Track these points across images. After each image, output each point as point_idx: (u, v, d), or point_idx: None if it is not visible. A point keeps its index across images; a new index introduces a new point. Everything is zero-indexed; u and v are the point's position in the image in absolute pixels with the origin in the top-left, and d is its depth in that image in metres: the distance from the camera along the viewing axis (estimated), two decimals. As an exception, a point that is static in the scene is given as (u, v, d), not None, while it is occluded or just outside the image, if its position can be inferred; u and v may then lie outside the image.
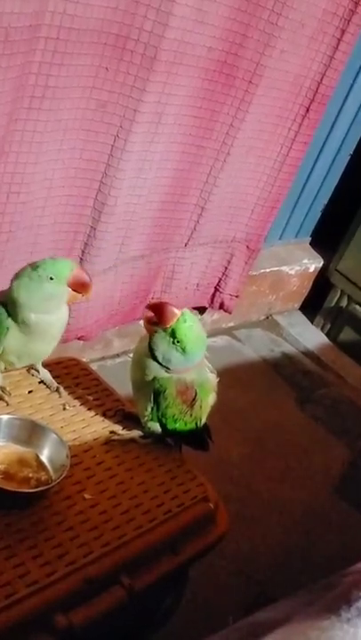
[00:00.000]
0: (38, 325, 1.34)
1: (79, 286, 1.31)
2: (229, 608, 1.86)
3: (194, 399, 1.39)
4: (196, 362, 1.36)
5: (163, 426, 1.43)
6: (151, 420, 1.42)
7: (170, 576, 1.30)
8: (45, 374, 1.52)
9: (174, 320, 1.30)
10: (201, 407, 1.42)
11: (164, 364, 1.34)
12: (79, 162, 1.86)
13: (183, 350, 1.31)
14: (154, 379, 1.37)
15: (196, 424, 1.44)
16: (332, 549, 2.18)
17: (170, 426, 1.42)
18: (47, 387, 1.51)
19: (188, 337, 1.31)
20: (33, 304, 1.31)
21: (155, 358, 1.34)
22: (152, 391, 1.38)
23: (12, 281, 1.33)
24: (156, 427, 1.43)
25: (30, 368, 1.53)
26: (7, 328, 1.33)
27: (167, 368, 1.35)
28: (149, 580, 1.23)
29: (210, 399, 1.44)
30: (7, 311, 1.34)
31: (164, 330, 1.31)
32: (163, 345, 1.32)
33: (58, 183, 1.85)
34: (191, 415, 1.41)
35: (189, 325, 1.31)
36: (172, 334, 1.30)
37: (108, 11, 1.64)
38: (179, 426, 1.42)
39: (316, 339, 3.36)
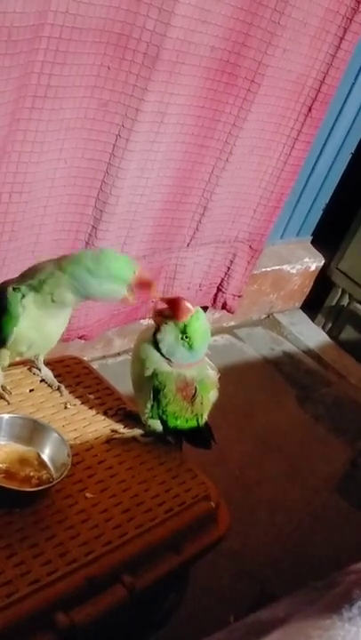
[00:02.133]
0: (67, 307, 1.33)
1: (143, 287, 1.29)
2: (230, 607, 1.86)
3: (194, 395, 1.40)
4: (198, 359, 1.37)
5: (164, 423, 1.43)
6: (151, 417, 1.42)
7: (171, 575, 1.30)
8: (47, 373, 1.52)
9: (188, 316, 1.31)
10: (202, 404, 1.42)
11: (167, 356, 1.35)
12: (81, 161, 1.86)
13: (190, 347, 1.33)
14: (153, 375, 1.36)
15: (198, 421, 1.45)
16: (333, 548, 2.18)
17: (171, 423, 1.42)
18: (49, 385, 1.51)
19: (198, 334, 1.33)
20: (83, 291, 1.28)
21: (158, 349, 1.35)
22: (152, 388, 1.38)
23: (61, 260, 1.29)
24: (157, 424, 1.43)
25: (32, 366, 1.52)
26: (18, 318, 1.30)
27: (169, 360, 1.35)
28: (151, 578, 1.23)
29: (211, 396, 1.44)
30: (22, 293, 1.30)
31: (176, 324, 1.32)
32: (170, 338, 1.33)
33: (60, 182, 1.85)
34: (192, 412, 1.41)
35: (201, 323, 1.33)
36: (184, 330, 1.31)
37: (111, 10, 1.64)
38: (180, 423, 1.42)
39: (318, 337, 3.37)
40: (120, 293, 1.29)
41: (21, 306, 1.30)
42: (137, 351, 1.41)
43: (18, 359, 1.45)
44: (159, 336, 1.34)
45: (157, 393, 1.38)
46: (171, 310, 1.32)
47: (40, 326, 1.34)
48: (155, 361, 1.36)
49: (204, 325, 1.34)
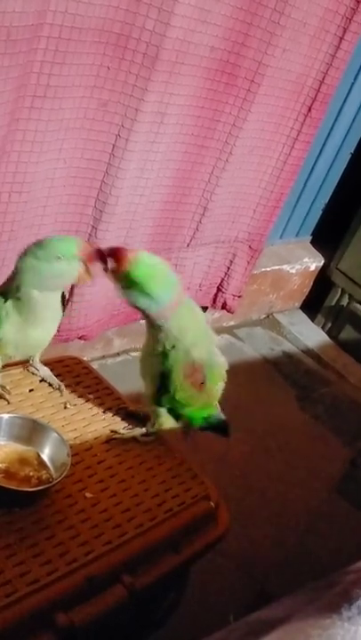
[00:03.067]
0: (39, 305, 1.31)
1: (92, 257, 1.26)
2: (230, 606, 1.86)
3: (203, 382, 1.37)
4: (166, 303, 1.27)
5: (173, 411, 1.41)
6: (160, 405, 1.40)
7: (171, 574, 1.30)
8: (45, 372, 1.52)
9: (129, 263, 1.23)
10: (211, 392, 1.40)
11: (141, 312, 1.29)
12: (80, 161, 1.86)
13: (145, 292, 1.25)
14: (161, 357, 1.32)
15: (209, 408, 1.43)
16: (332, 548, 2.18)
17: (179, 410, 1.40)
18: (49, 384, 1.51)
19: (145, 277, 1.24)
20: (39, 282, 1.28)
21: (133, 306, 1.30)
22: (158, 373, 1.35)
23: (17, 260, 1.30)
24: (164, 415, 1.42)
25: (30, 365, 1.52)
26: (1, 320, 1.32)
27: (147, 318, 1.30)
28: (150, 578, 1.23)
29: (219, 383, 1.42)
30: (5, 298, 1.32)
31: (124, 275, 1.24)
32: (126, 292, 1.27)
33: (59, 182, 1.85)
34: (202, 398, 1.39)
35: (146, 264, 1.25)
36: (129, 278, 1.24)
37: (110, 10, 1.64)
38: (189, 412, 1.41)
39: (317, 337, 3.37)
40: (73, 271, 1.28)
41: (4, 311, 1.31)
42: (144, 346, 1.38)
43: (14, 361, 1.46)
44: (123, 296, 1.28)
45: (165, 378, 1.34)
46: (115, 263, 1.25)
47: (25, 331, 1.35)
48: (154, 334, 1.32)
49: (151, 265, 1.26)
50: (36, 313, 1.33)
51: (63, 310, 1.41)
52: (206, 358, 1.37)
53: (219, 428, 1.50)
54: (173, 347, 1.32)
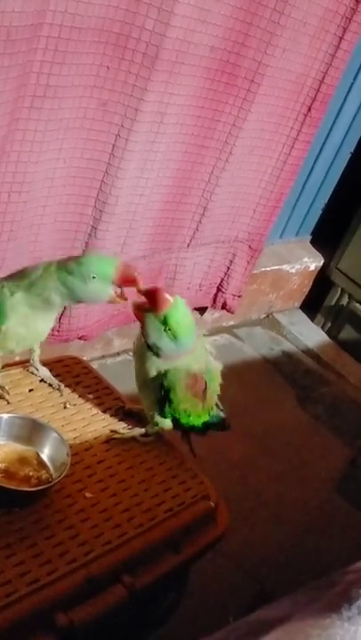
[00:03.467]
0: (55, 307, 1.34)
1: (127, 282, 1.29)
2: (230, 606, 1.86)
3: (205, 390, 1.39)
4: (186, 349, 1.34)
5: (176, 421, 1.42)
6: (163, 416, 1.41)
7: (171, 574, 1.30)
8: (45, 372, 1.52)
9: (168, 306, 1.28)
10: (212, 396, 1.43)
11: (155, 351, 1.33)
12: (80, 161, 1.86)
13: (175, 337, 1.30)
14: (161, 376, 1.35)
15: (209, 413, 1.45)
16: (332, 548, 2.18)
17: (184, 420, 1.42)
18: (49, 384, 1.51)
19: (180, 324, 1.30)
20: (68, 295, 1.29)
21: (148, 346, 1.33)
22: (159, 388, 1.37)
23: (48, 266, 1.30)
24: (165, 422, 1.43)
25: (30, 365, 1.52)
26: (6, 315, 1.31)
27: (157, 355, 1.34)
28: (150, 578, 1.23)
29: (217, 385, 1.44)
30: (12, 291, 1.31)
31: (156, 316, 1.29)
32: (154, 332, 1.31)
33: (59, 182, 1.85)
34: (203, 406, 1.41)
35: (182, 312, 1.30)
36: (165, 321, 1.29)
37: (110, 9, 1.64)
38: (192, 420, 1.42)
39: (317, 337, 3.37)
40: (106, 293, 1.29)
41: (10, 303, 1.31)
42: (136, 353, 1.40)
43: (17, 358, 1.46)
44: (144, 331, 1.32)
45: (167, 393, 1.36)
46: (149, 303, 1.30)
47: (29, 323, 1.35)
48: (154, 360, 1.36)
49: (186, 314, 1.31)
50: (44, 312, 1.34)
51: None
52: (204, 366, 1.39)
53: (219, 425, 1.51)
54: (174, 367, 1.35)
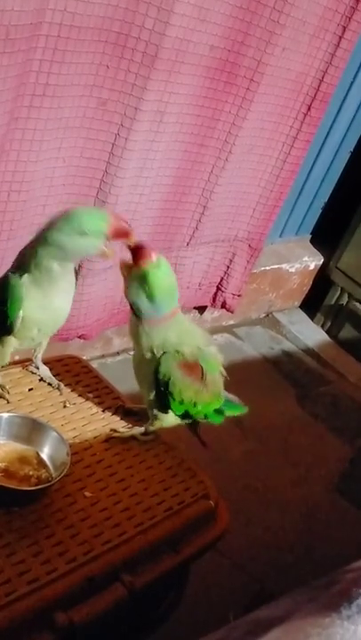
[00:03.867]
0: (57, 276, 1.30)
1: (120, 234, 1.25)
2: (229, 605, 1.86)
3: (203, 376, 1.37)
4: (163, 313, 1.31)
5: (187, 414, 1.41)
6: (174, 410, 1.40)
7: (170, 573, 1.30)
8: (45, 371, 1.52)
9: (149, 263, 1.26)
10: (215, 382, 1.41)
11: (134, 309, 1.31)
12: (80, 160, 1.86)
13: (151, 296, 1.28)
14: (154, 368, 1.34)
15: (218, 400, 1.43)
16: (331, 547, 2.18)
17: (192, 411, 1.40)
18: (48, 384, 1.51)
19: (158, 282, 1.27)
20: (61, 255, 1.27)
21: (130, 304, 1.32)
22: (157, 384, 1.36)
23: (39, 232, 1.29)
24: (169, 420, 1.43)
25: (30, 364, 1.52)
26: (21, 300, 1.30)
27: (139, 318, 1.32)
28: (150, 577, 1.23)
29: (219, 373, 1.43)
30: (20, 274, 1.30)
31: (137, 273, 1.27)
32: (133, 288, 1.29)
33: (59, 181, 1.85)
34: (207, 392, 1.39)
35: (163, 272, 1.28)
36: (143, 278, 1.27)
37: (109, 8, 1.64)
38: (202, 409, 1.41)
39: (317, 336, 3.37)
40: (96, 246, 1.26)
41: (23, 287, 1.29)
42: (130, 327, 1.38)
43: (18, 357, 1.46)
44: (127, 290, 1.31)
45: (166, 386, 1.35)
46: (133, 259, 1.28)
47: (45, 305, 1.33)
48: (141, 330, 1.33)
49: (167, 274, 1.29)
50: (53, 284, 1.31)
51: (76, 282, 1.39)
52: (198, 352, 1.37)
53: (235, 410, 1.50)
54: (164, 353, 1.34)
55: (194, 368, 1.36)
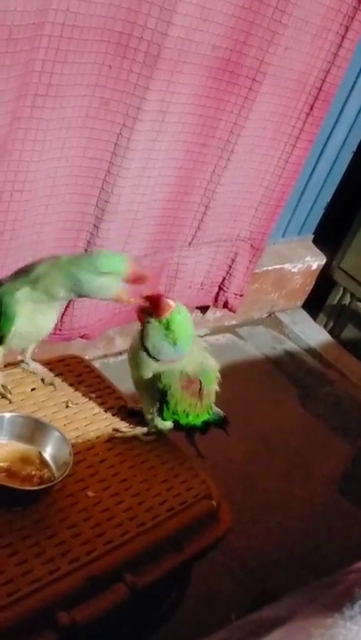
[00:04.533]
0: (60, 302, 1.35)
1: (137, 280, 1.30)
2: (232, 605, 1.86)
3: (200, 390, 1.40)
4: (183, 354, 1.36)
5: (176, 422, 1.44)
6: (163, 419, 1.42)
7: (172, 573, 1.30)
8: (36, 367, 1.52)
9: (169, 312, 1.30)
10: (209, 396, 1.44)
11: (153, 354, 1.35)
12: (82, 160, 1.86)
13: (174, 342, 1.33)
14: (156, 378, 1.37)
15: (208, 412, 1.46)
16: (334, 547, 2.18)
17: (183, 421, 1.43)
18: (41, 380, 1.51)
19: (181, 329, 1.32)
20: (76, 289, 1.30)
21: (145, 348, 1.35)
22: (155, 390, 1.38)
23: (58, 260, 1.31)
24: (165, 424, 1.44)
25: (21, 361, 1.52)
26: (15, 318, 1.32)
27: (155, 359, 1.35)
28: (152, 577, 1.23)
29: (215, 385, 1.46)
30: (17, 288, 1.31)
31: (159, 321, 1.31)
32: (155, 335, 1.33)
33: (61, 181, 1.85)
34: (201, 406, 1.42)
35: (183, 318, 1.32)
36: (167, 326, 1.31)
37: (112, 8, 1.64)
38: (192, 419, 1.43)
39: (319, 336, 3.36)
40: (113, 289, 1.30)
41: (17, 303, 1.31)
42: (131, 355, 1.41)
43: (18, 357, 1.46)
44: (145, 335, 1.34)
45: (164, 395, 1.38)
46: (152, 307, 1.32)
47: (33, 320, 1.36)
48: (150, 365, 1.37)
49: (187, 319, 1.34)
50: (49, 307, 1.35)
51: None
52: (199, 368, 1.41)
53: (218, 423, 1.53)
54: (168, 369, 1.37)
55: (193, 383, 1.40)
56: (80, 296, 1.33)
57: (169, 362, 1.36)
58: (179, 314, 1.31)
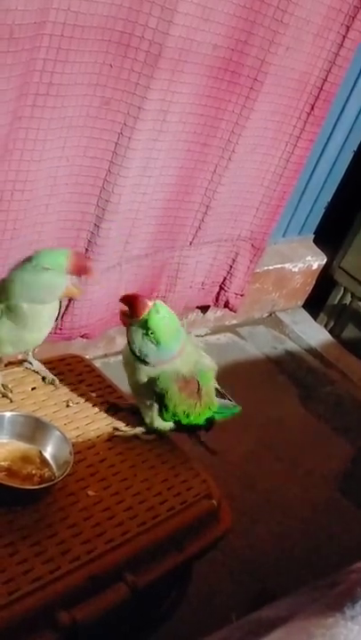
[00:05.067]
0: (30, 315, 1.31)
1: (81, 270, 1.27)
2: (232, 605, 1.86)
3: (198, 389, 1.39)
4: (172, 354, 1.34)
5: (177, 423, 1.43)
6: (165, 420, 1.42)
7: (173, 573, 1.30)
8: (39, 366, 1.52)
9: (146, 311, 1.28)
10: (208, 394, 1.43)
11: (141, 357, 1.33)
12: (83, 159, 1.86)
13: (157, 342, 1.30)
14: (151, 381, 1.36)
15: (210, 409, 1.45)
16: (334, 547, 2.18)
17: (184, 421, 1.42)
18: (42, 379, 1.51)
19: (161, 328, 1.29)
20: (26, 294, 1.28)
21: (133, 352, 1.34)
22: (152, 394, 1.37)
23: (8, 272, 1.31)
24: (165, 425, 1.44)
25: (24, 360, 1.52)
26: None
27: (145, 362, 1.34)
28: (152, 576, 1.23)
29: (213, 383, 1.45)
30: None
31: (138, 322, 1.30)
32: (137, 338, 1.31)
33: (62, 181, 1.85)
34: (201, 405, 1.41)
35: (162, 316, 1.29)
36: (145, 326, 1.29)
37: (113, 7, 1.64)
38: (193, 419, 1.42)
39: (320, 336, 3.36)
40: (61, 284, 1.28)
41: None
42: (125, 361, 1.41)
43: (19, 357, 1.46)
44: (129, 339, 1.33)
45: (162, 398, 1.37)
46: (129, 309, 1.30)
47: (19, 336, 1.35)
48: (143, 368, 1.35)
49: (168, 317, 1.31)
50: (26, 322, 1.33)
51: (59, 315, 1.41)
52: (195, 368, 1.39)
53: (228, 412, 1.51)
54: (163, 372, 1.36)
55: (190, 384, 1.38)
56: (37, 301, 1.30)
57: (161, 364, 1.34)
58: (157, 313, 1.28)
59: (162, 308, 1.30)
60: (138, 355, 1.33)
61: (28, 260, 1.28)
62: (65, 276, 1.27)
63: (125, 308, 1.32)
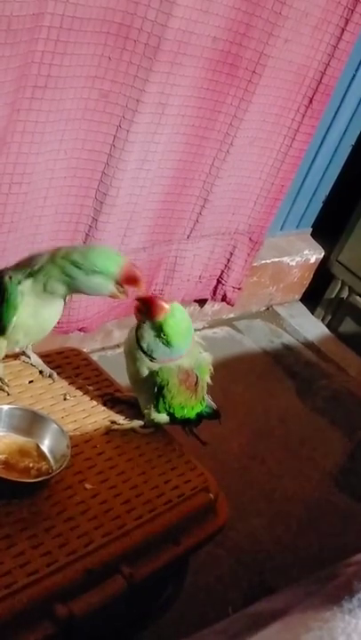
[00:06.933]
0: (60, 296, 1.34)
1: (130, 281, 1.28)
2: (229, 598, 1.87)
3: (196, 383, 1.41)
4: (181, 354, 1.36)
5: (171, 415, 1.44)
6: (158, 412, 1.42)
7: (170, 566, 1.30)
8: (37, 360, 1.52)
9: (163, 315, 1.29)
10: (203, 387, 1.44)
11: (148, 352, 1.34)
12: (81, 152, 1.85)
13: (169, 344, 1.32)
14: (154, 373, 1.36)
15: (201, 404, 1.47)
16: (331, 540, 2.18)
17: (178, 414, 1.43)
18: (40, 372, 1.51)
19: (175, 332, 1.31)
20: (70, 285, 1.29)
21: (140, 346, 1.35)
22: (152, 384, 1.38)
23: (54, 254, 1.30)
24: (161, 417, 1.44)
25: (21, 353, 1.52)
26: (18, 307, 1.31)
27: (151, 357, 1.35)
28: (149, 569, 1.23)
29: (207, 377, 1.46)
30: (19, 280, 1.31)
31: (152, 324, 1.31)
32: (149, 336, 1.32)
33: (60, 174, 1.84)
34: (196, 398, 1.43)
35: (178, 320, 1.31)
36: (160, 329, 1.30)
37: (111, 0, 1.63)
38: (187, 412, 1.44)
39: (317, 330, 3.37)
40: (107, 288, 1.29)
41: (20, 294, 1.30)
42: (127, 349, 1.41)
43: (17, 349, 1.46)
44: (139, 334, 1.34)
45: (161, 389, 1.37)
46: (145, 310, 1.31)
47: (37, 314, 1.35)
48: (146, 362, 1.36)
49: (183, 321, 1.32)
50: (51, 301, 1.34)
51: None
52: (194, 361, 1.41)
53: (211, 416, 1.53)
54: (165, 364, 1.37)
55: (190, 377, 1.39)
56: (77, 292, 1.32)
57: (168, 361, 1.36)
58: (173, 317, 1.30)
59: (178, 311, 1.31)
60: (145, 350, 1.34)
61: (82, 255, 1.27)
62: (113, 280, 1.28)
63: (140, 304, 1.33)
